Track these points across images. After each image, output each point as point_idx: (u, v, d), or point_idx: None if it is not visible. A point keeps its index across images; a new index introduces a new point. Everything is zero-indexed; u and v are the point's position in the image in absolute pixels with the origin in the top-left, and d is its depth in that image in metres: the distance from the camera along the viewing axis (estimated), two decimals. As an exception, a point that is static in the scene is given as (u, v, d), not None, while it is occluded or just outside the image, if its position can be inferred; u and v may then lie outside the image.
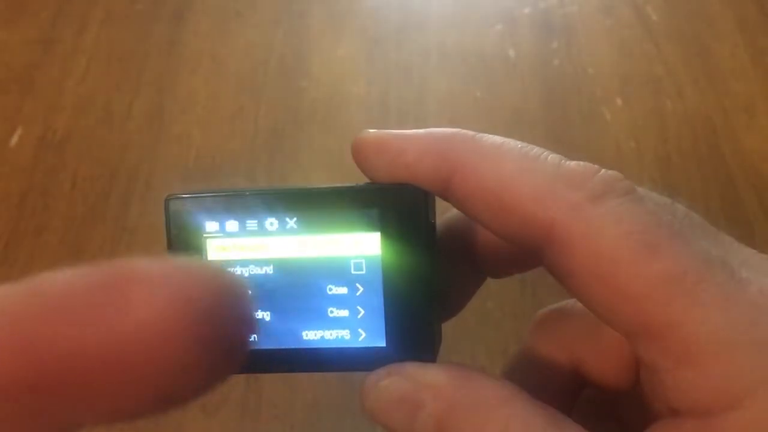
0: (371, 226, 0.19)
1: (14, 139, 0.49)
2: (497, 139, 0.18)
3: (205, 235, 0.19)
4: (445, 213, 0.21)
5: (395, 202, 0.19)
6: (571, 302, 0.21)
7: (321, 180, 0.47)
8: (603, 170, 0.17)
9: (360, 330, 0.19)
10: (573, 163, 0.17)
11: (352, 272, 0.19)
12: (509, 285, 0.41)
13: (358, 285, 0.19)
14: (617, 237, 0.16)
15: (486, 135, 0.18)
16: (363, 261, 0.19)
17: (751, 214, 0.44)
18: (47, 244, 0.44)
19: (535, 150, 0.18)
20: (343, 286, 0.19)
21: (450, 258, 0.21)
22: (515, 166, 0.17)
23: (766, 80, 0.50)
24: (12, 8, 0.56)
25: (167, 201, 0.19)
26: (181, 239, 0.19)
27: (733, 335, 0.15)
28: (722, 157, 0.46)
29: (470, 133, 0.18)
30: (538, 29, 0.54)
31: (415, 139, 0.18)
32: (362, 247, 0.19)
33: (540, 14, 0.54)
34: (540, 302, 0.40)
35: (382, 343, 0.19)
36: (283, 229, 0.19)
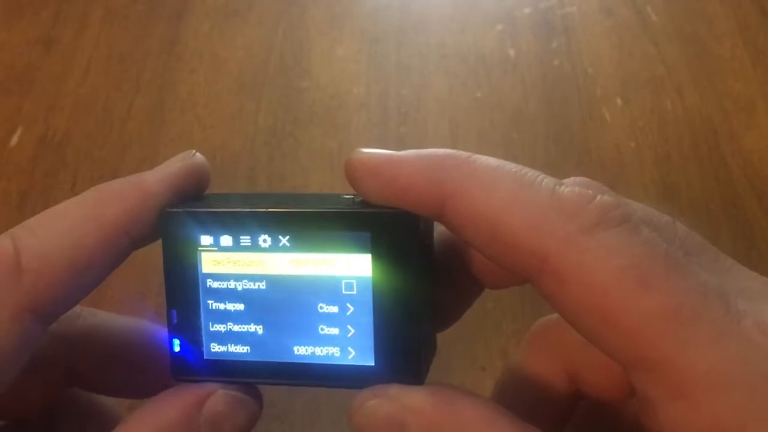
0: (363, 248, 0.19)
1: (14, 139, 0.49)
2: (492, 162, 0.18)
3: (199, 249, 0.20)
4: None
5: (387, 227, 0.19)
6: None
7: (321, 180, 0.47)
8: (598, 197, 0.17)
9: (350, 348, 0.19)
10: (567, 191, 0.17)
11: (343, 292, 0.19)
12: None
13: (348, 305, 0.19)
14: (610, 271, 0.16)
15: (481, 157, 0.18)
16: (354, 282, 0.19)
17: (751, 214, 0.44)
18: (47, 244, 0.44)
19: (530, 175, 0.17)
20: (333, 305, 0.19)
21: (448, 269, 0.21)
22: (508, 194, 0.17)
23: (766, 80, 0.50)
24: (12, 8, 0.56)
25: (163, 214, 0.20)
26: (176, 251, 0.20)
27: (726, 372, 0.15)
28: (722, 157, 0.46)
29: (464, 155, 0.18)
30: (538, 29, 0.54)
31: (407, 164, 0.18)
32: (353, 268, 0.19)
33: (540, 14, 0.54)
34: (540, 303, 0.40)
35: (371, 363, 0.19)
36: (275, 247, 0.19)
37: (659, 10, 0.54)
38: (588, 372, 0.21)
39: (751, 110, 0.48)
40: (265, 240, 0.19)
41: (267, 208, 0.19)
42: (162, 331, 0.21)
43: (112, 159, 0.48)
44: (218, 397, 0.19)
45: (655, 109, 0.49)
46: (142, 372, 0.23)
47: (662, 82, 0.50)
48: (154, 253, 0.20)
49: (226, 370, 0.20)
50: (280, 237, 0.19)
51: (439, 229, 0.21)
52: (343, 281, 0.19)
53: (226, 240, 0.19)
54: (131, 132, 0.49)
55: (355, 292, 0.19)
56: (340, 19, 0.55)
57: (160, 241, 0.20)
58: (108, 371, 0.23)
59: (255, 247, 0.19)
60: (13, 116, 0.50)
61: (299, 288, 0.19)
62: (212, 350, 0.20)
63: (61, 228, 0.19)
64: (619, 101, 0.49)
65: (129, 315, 0.24)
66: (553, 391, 0.21)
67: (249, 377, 0.20)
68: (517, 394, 0.22)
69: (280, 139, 0.49)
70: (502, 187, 0.17)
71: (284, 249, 0.19)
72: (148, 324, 0.23)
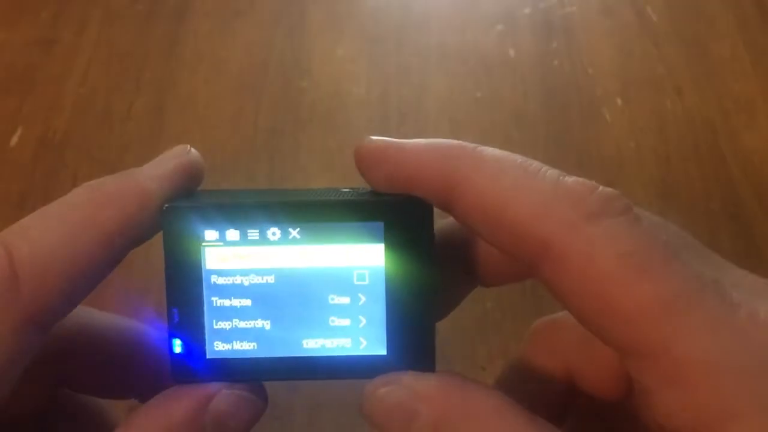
0: (375, 238, 0.19)
1: (14, 139, 0.49)
2: (497, 152, 0.18)
3: (203, 244, 0.19)
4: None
5: (401, 215, 0.19)
6: (567, 313, 0.21)
7: (321, 180, 0.47)
8: (601, 188, 0.17)
9: (361, 339, 0.19)
10: (571, 180, 0.17)
11: (355, 282, 0.19)
12: (509, 286, 0.41)
13: (360, 295, 0.19)
14: (611, 257, 0.16)
15: (487, 148, 0.18)
16: (366, 272, 0.19)
17: (751, 214, 0.44)
18: (47, 244, 0.44)
19: (535, 165, 0.18)
20: (345, 295, 0.19)
21: (444, 263, 0.21)
22: (514, 183, 0.17)
23: (766, 80, 0.50)
24: (12, 8, 0.56)
25: (164, 210, 0.19)
26: (178, 248, 0.19)
27: (720, 360, 0.15)
28: (722, 157, 0.46)
29: (471, 145, 0.18)
30: (538, 29, 0.54)
31: (415, 152, 0.18)
32: (366, 258, 0.19)
33: (540, 14, 0.54)
34: (540, 303, 0.40)
35: (383, 351, 0.19)
36: (285, 239, 0.19)
37: (659, 10, 0.54)
38: (586, 370, 0.21)
39: (751, 110, 0.48)
40: (274, 233, 0.19)
41: (277, 200, 0.19)
42: (153, 331, 0.21)
43: (112, 159, 0.48)
44: (223, 396, 0.19)
45: (655, 109, 0.49)
46: (131, 372, 0.22)
47: (662, 82, 0.50)
48: (154, 250, 0.20)
49: (231, 370, 0.19)
50: (290, 229, 0.19)
51: (435, 225, 0.21)
52: (355, 272, 0.19)
53: (232, 234, 0.19)
54: (131, 132, 0.49)
55: (367, 282, 0.19)
56: (340, 19, 0.55)
57: (161, 239, 0.20)
58: (97, 370, 0.23)
59: (263, 241, 0.19)
60: (13, 116, 0.50)
61: (309, 280, 0.19)
62: (216, 349, 0.19)
63: (57, 233, 0.18)
64: (619, 101, 0.49)
65: (129, 314, 0.23)
66: (552, 387, 0.21)
67: (255, 374, 0.20)
68: (517, 389, 0.22)
69: (280, 139, 0.49)
70: (508, 176, 0.17)
71: (294, 241, 0.19)
72: (138, 324, 0.23)
